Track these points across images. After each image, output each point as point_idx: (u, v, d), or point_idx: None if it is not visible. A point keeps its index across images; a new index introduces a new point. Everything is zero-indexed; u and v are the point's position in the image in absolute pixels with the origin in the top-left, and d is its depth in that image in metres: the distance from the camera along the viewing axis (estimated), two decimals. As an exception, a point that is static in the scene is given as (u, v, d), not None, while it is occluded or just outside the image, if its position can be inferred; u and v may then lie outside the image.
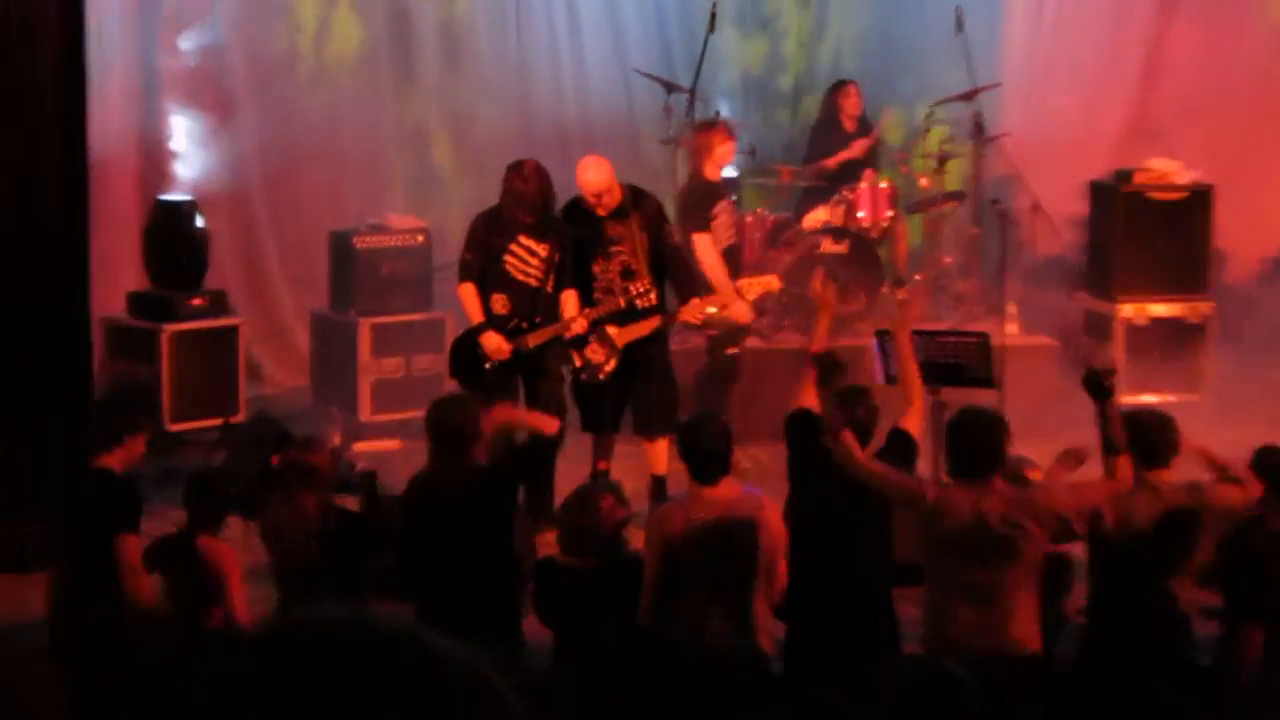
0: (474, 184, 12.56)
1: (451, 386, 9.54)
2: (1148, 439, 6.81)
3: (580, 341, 9.39)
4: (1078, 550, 7.13)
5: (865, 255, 11.72)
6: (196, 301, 11.19)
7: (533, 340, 9.28)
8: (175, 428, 10.86)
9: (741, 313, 10.56)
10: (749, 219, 11.90)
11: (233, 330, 11.32)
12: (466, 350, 9.38)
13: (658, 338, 9.53)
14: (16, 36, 8.80)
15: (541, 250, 9.28)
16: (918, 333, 8.56)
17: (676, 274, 9.62)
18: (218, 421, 10.80)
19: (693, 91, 12.21)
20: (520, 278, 9.30)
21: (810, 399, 7.25)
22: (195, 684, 1.64)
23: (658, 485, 9.49)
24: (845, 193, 12.01)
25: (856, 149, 12.51)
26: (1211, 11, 13.56)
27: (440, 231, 12.12)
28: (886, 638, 6.98)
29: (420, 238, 11.92)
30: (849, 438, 6.72)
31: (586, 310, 9.33)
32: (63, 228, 8.97)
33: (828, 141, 12.60)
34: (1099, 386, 6.64)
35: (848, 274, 11.36)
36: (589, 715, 5.72)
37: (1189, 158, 12.46)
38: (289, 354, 12.72)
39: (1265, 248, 13.42)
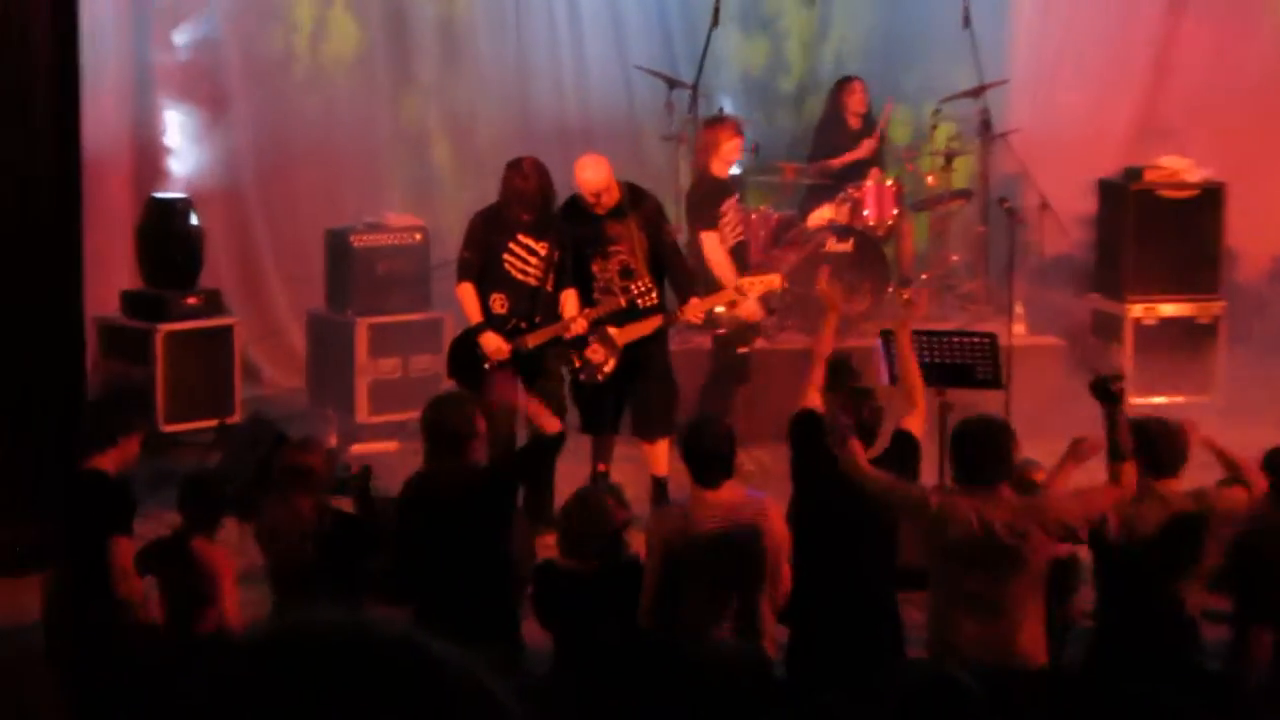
0: (473, 183, 12.47)
1: (450, 387, 9.43)
2: (1155, 448, 6.75)
3: (580, 342, 9.29)
4: (1084, 552, 7.07)
5: (871, 254, 11.62)
6: (191, 301, 11.10)
7: (532, 340, 9.18)
8: (170, 429, 10.78)
9: (751, 311, 10.40)
10: (753, 217, 11.79)
11: (228, 330, 11.22)
12: (465, 350, 9.28)
13: (657, 337, 9.43)
14: (9, 34, 8.75)
15: (541, 249, 9.17)
16: (926, 333, 8.52)
17: (675, 273, 9.53)
18: (213, 422, 10.73)
19: (695, 87, 12.11)
20: (519, 277, 9.19)
21: (815, 400, 7.19)
22: (191, 687, 1.63)
23: (658, 487, 9.39)
24: (850, 191, 11.92)
25: (862, 149, 12.42)
26: (1221, 10, 13.51)
27: (439, 230, 12.03)
28: (890, 642, 6.92)
29: (418, 236, 11.81)
30: (856, 446, 6.64)
31: (586, 310, 9.23)
32: (56, 226, 8.91)
33: (833, 139, 12.51)
34: (1106, 392, 6.57)
35: (853, 273, 11.26)
36: (589, 719, 5.67)
37: (1199, 157, 12.37)
38: (285, 354, 12.64)
39: (1276, 247, 13.35)
